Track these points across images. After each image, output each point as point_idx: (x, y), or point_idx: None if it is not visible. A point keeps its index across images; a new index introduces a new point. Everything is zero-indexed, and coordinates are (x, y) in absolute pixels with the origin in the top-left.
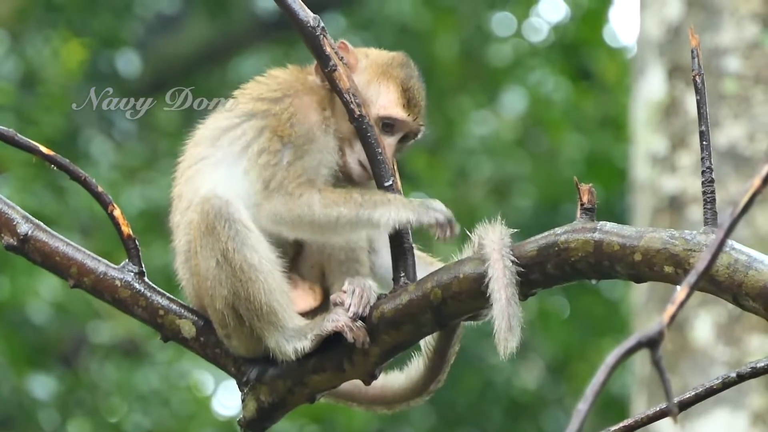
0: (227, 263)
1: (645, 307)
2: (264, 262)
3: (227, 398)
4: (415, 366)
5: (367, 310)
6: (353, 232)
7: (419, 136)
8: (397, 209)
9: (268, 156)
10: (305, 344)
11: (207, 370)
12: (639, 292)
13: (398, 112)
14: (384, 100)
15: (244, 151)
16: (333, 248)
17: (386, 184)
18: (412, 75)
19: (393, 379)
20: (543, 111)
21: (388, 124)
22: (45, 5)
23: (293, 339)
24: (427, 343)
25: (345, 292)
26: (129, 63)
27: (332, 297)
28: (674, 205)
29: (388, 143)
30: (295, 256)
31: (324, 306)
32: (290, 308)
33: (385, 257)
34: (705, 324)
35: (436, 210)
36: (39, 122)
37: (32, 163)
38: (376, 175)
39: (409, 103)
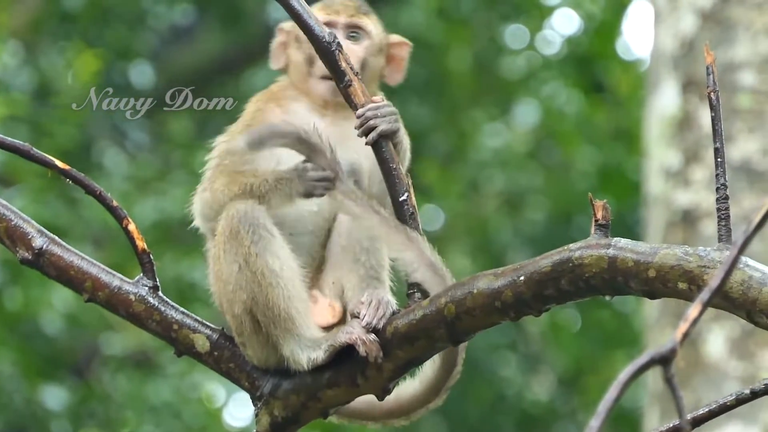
0: (248, 268)
1: (658, 321)
2: (285, 268)
3: (238, 410)
4: (429, 364)
5: (382, 323)
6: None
7: (365, 27)
8: (274, 192)
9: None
10: (319, 354)
11: (218, 382)
12: (652, 306)
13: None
14: None
15: None
16: (353, 265)
17: (401, 199)
18: None
19: (406, 386)
20: (556, 123)
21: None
22: (59, 17)
23: (308, 348)
24: None
25: (363, 303)
26: (142, 74)
27: (350, 308)
28: (687, 220)
29: (348, 49)
30: (317, 271)
31: (342, 323)
32: (308, 317)
33: None
34: (718, 338)
35: (310, 176)
36: (53, 133)
37: (45, 175)
38: (390, 190)
39: (325, 8)
